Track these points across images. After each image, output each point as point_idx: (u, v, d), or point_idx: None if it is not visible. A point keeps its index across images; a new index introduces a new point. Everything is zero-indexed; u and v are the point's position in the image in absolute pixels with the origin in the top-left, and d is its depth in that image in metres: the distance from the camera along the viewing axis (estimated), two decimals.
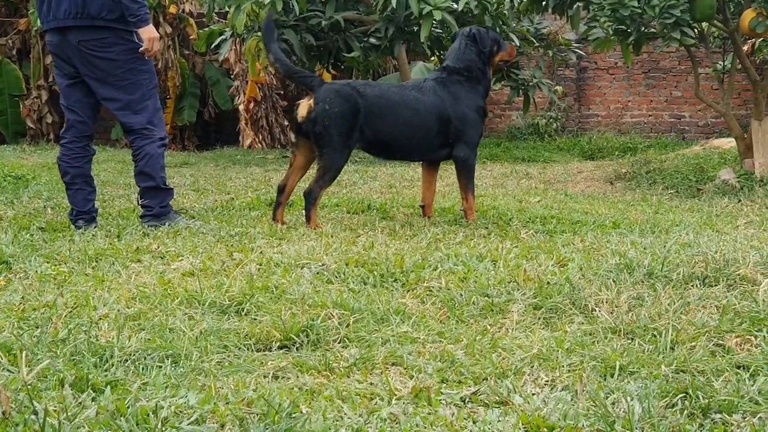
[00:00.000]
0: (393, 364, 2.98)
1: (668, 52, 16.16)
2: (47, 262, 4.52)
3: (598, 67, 16.84)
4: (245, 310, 3.60)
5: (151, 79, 5.86)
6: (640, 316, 3.41)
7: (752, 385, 2.64)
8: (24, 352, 2.80)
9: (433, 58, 13.70)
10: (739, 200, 8.01)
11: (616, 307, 3.56)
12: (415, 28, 10.10)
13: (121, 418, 2.40)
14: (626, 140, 15.59)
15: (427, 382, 2.74)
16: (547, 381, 2.80)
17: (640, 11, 8.09)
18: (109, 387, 2.65)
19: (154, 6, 15.12)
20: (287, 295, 3.76)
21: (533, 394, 2.66)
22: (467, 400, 2.64)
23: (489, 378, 2.81)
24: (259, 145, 15.75)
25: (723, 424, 2.45)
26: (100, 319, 3.39)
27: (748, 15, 8.17)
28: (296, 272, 4.21)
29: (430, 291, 3.93)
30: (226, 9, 10.63)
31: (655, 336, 3.21)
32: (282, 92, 16.30)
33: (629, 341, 3.20)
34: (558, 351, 3.06)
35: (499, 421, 2.47)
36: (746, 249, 4.46)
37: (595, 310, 3.55)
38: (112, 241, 5.19)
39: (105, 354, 2.95)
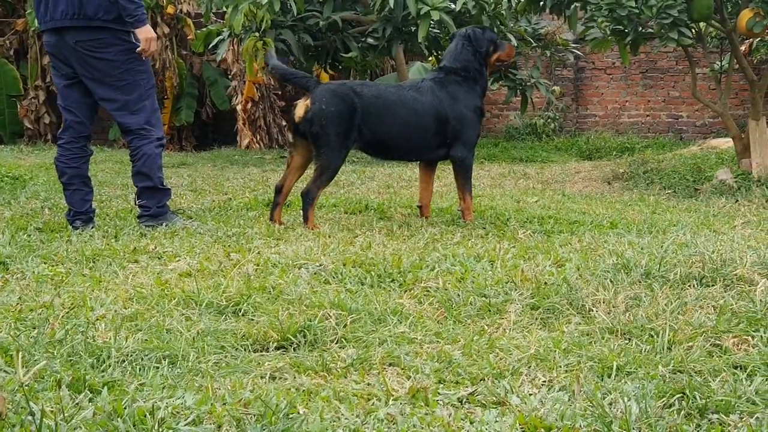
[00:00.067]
0: (390, 365, 2.98)
1: (666, 52, 16.18)
2: (44, 263, 4.52)
3: (596, 67, 16.85)
4: (242, 310, 3.60)
5: (149, 79, 5.86)
6: (637, 317, 3.42)
7: (749, 386, 2.65)
8: (21, 352, 2.80)
9: (430, 59, 13.70)
10: (737, 200, 8.01)
11: (614, 307, 3.56)
12: (413, 29, 10.11)
13: (118, 418, 2.40)
14: (624, 140, 15.59)
15: (424, 383, 2.74)
16: (545, 381, 2.80)
17: (637, 11, 8.10)
18: (106, 388, 2.64)
19: (152, 6, 15.12)
20: (284, 296, 3.76)
21: (530, 395, 2.66)
22: (464, 400, 2.64)
23: (486, 378, 2.81)
24: (257, 145, 15.75)
25: (720, 424, 2.45)
26: (97, 319, 3.38)
27: (746, 15, 8.17)
28: (293, 273, 4.21)
29: (428, 291, 3.93)
30: (224, 9, 10.62)
31: (652, 336, 3.21)
32: (280, 92, 16.30)
33: (626, 341, 3.20)
34: (555, 351, 3.06)
35: (496, 421, 2.47)
36: (743, 249, 4.46)
37: (593, 311, 3.55)
38: (109, 241, 5.18)
39: (102, 355, 2.94)
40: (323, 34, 10.94)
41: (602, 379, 2.80)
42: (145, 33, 5.63)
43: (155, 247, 4.89)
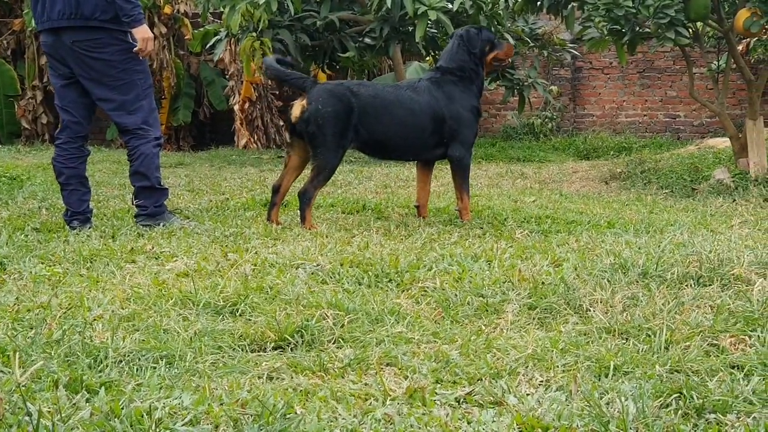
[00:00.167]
0: (388, 365, 2.98)
1: (663, 52, 16.19)
2: (42, 263, 4.52)
3: (593, 66, 16.86)
4: (240, 310, 3.60)
5: (146, 79, 5.86)
6: (634, 316, 3.42)
7: (746, 385, 2.65)
8: (18, 353, 2.80)
9: (428, 58, 13.70)
10: (734, 200, 8.02)
11: (611, 307, 3.56)
12: (410, 28, 10.11)
13: (116, 419, 2.40)
14: (621, 140, 15.60)
15: (421, 383, 2.74)
16: (542, 381, 2.80)
17: (634, 11, 8.10)
18: (103, 388, 2.64)
19: (149, 6, 15.12)
20: (282, 296, 3.76)
21: (528, 395, 2.66)
22: (462, 400, 2.64)
23: (483, 378, 2.81)
24: (255, 145, 15.75)
25: (717, 424, 2.45)
26: (95, 320, 3.38)
27: (743, 14, 8.18)
28: (291, 273, 4.21)
29: (425, 291, 3.93)
30: (221, 9, 10.62)
31: (649, 336, 3.21)
32: (277, 92, 16.29)
33: (624, 341, 3.20)
34: (552, 351, 3.06)
35: (493, 421, 2.47)
36: (741, 249, 4.47)
37: (590, 310, 3.55)
38: (106, 241, 5.18)
39: (99, 355, 2.94)
40: (320, 34, 10.94)
41: (599, 379, 2.80)
42: (142, 33, 5.62)
43: (152, 248, 4.89)
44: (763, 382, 2.69)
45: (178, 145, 16.49)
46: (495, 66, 6.66)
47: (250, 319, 3.48)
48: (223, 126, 16.75)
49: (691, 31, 8.74)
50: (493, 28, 9.73)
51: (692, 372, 2.82)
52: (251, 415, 2.45)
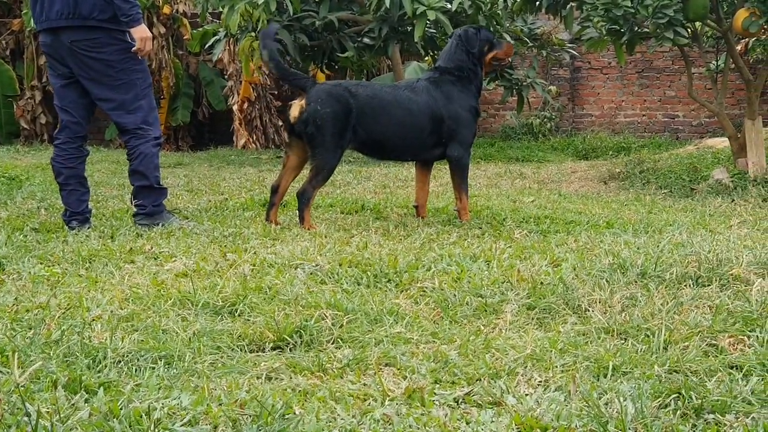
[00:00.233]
0: (386, 365, 2.98)
1: (661, 52, 16.19)
2: (40, 263, 4.52)
3: (592, 66, 16.86)
4: (238, 310, 3.60)
5: (145, 78, 5.86)
6: (633, 316, 3.42)
7: (745, 386, 2.65)
8: (17, 353, 2.80)
9: (427, 58, 13.69)
10: (733, 200, 8.02)
11: (610, 307, 3.57)
12: (409, 28, 10.10)
13: (114, 419, 2.40)
14: (620, 140, 15.60)
15: (420, 383, 2.74)
16: (541, 381, 2.80)
17: (633, 11, 8.10)
18: (102, 388, 2.64)
19: (148, 6, 15.12)
20: (281, 296, 3.76)
21: (526, 395, 2.66)
22: (460, 400, 2.64)
23: (482, 378, 2.81)
24: (253, 145, 15.74)
25: (716, 424, 2.45)
26: (94, 320, 3.38)
27: (741, 14, 8.18)
28: (290, 273, 4.21)
29: (424, 291, 3.93)
30: (220, 9, 10.61)
31: (648, 336, 3.21)
32: (276, 92, 16.28)
33: (622, 341, 3.21)
34: (551, 351, 3.06)
35: (492, 421, 2.47)
36: (739, 249, 4.47)
37: (589, 311, 3.56)
38: (105, 242, 5.18)
39: (98, 355, 2.94)
40: (319, 34, 10.93)
41: (598, 379, 2.80)
42: (140, 32, 5.62)
43: (151, 248, 4.89)
44: (762, 382, 2.69)
45: (177, 145, 16.48)
46: (494, 66, 6.66)
47: (248, 320, 3.48)
48: (221, 126, 16.75)
49: (689, 31, 8.74)
50: (491, 28, 9.73)
51: (691, 372, 2.83)
52: (250, 416, 2.45)
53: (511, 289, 3.89)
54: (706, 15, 8.35)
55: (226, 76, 16.18)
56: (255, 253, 4.72)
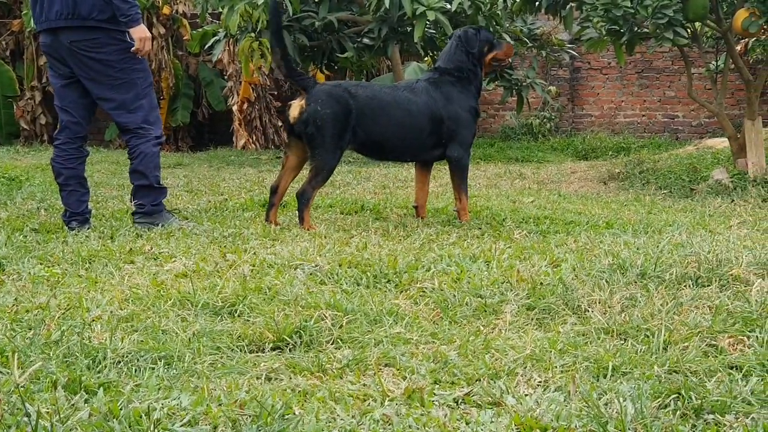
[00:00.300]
0: (386, 365, 2.98)
1: (661, 52, 16.19)
2: (40, 264, 4.52)
3: (592, 67, 16.86)
4: (238, 311, 3.60)
5: (146, 77, 5.87)
6: (632, 317, 3.42)
7: (745, 386, 2.65)
8: (16, 353, 2.80)
9: (426, 59, 13.70)
10: (732, 200, 8.02)
11: (609, 307, 3.57)
12: (409, 29, 10.10)
13: (114, 419, 2.40)
14: (619, 140, 15.60)
15: (420, 383, 2.74)
16: (540, 382, 2.80)
17: (632, 11, 8.10)
18: (101, 389, 2.64)
19: (148, 7, 15.12)
20: (280, 296, 3.76)
21: (526, 395, 2.66)
22: (460, 401, 2.64)
23: (482, 379, 2.81)
24: (253, 145, 15.74)
25: (716, 424, 2.45)
26: (93, 320, 3.38)
27: (741, 15, 8.18)
28: (289, 273, 4.21)
29: (423, 292, 3.93)
30: (220, 10, 10.62)
31: (647, 336, 3.21)
32: (275, 93, 16.28)
33: (622, 342, 3.20)
34: (551, 352, 3.06)
35: (492, 422, 2.47)
36: (739, 249, 4.47)
37: (588, 311, 3.55)
38: (105, 242, 5.18)
39: (98, 356, 2.94)
40: (319, 35, 10.93)
41: (598, 380, 2.80)
42: (139, 32, 5.63)
43: (151, 248, 4.89)
44: (762, 382, 2.69)
45: (177, 145, 16.49)
46: (494, 66, 6.66)
47: (248, 320, 3.48)
48: (221, 126, 16.74)
49: (689, 31, 8.74)
50: (491, 29, 9.73)
51: (691, 372, 2.83)
52: (250, 416, 2.45)
53: (511, 290, 3.89)
54: (706, 15, 8.35)
55: (225, 77, 16.18)
56: (255, 253, 4.72)
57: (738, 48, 12.00)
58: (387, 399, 2.64)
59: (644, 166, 10.28)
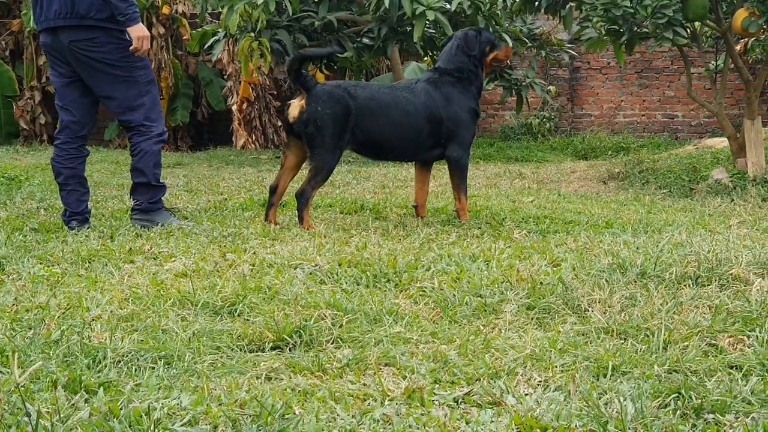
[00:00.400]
0: (386, 365, 2.98)
1: (661, 52, 16.20)
2: (40, 263, 4.52)
3: (591, 66, 16.86)
4: (238, 310, 3.60)
5: (147, 74, 5.87)
6: (632, 316, 3.42)
7: (745, 385, 2.65)
8: (16, 353, 2.80)
9: (426, 59, 13.71)
10: (732, 200, 8.02)
11: (609, 307, 3.57)
12: (408, 29, 10.11)
13: (114, 419, 2.40)
14: (619, 140, 15.61)
15: (420, 383, 2.74)
16: (540, 381, 2.80)
17: (632, 11, 8.10)
18: (102, 388, 2.64)
19: (147, 7, 15.12)
20: (280, 296, 3.76)
21: (526, 395, 2.66)
22: (460, 400, 2.64)
23: (482, 378, 2.81)
24: (253, 145, 15.74)
25: (716, 424, 2.45)
26: (93, 320, 3.38)
27: (741, 14, 8.18)
28: (289, 273, 4.21)
29: (423, 291, 3.93)
30: (219, 9, 10.63)
31: (647, 336, 3.21)
32: (275, 92, 16.29)
33: (622, 341, 3.21)
34: (551, 351, 3.06)
35: (492, 421, 2.47)
36: (739, 248, 4.46)
37: (588, 310, 3.56)
38: (105, 242, 5.18)
39: (98, 355, 2.94)
40: (318, 35, 10.94)
41: (598, 379, 2.80)
42: (137, 31, 5.62)
43: (151, 248, 4.90)
44: (762, 382, 2.70)
45: (177, 145, 16.48)
46: (494, 67, 6.65)
47: (248, 320, 3.48)
48: (221, 126, 16.74)
49: (689, 31, 8.74)
50: (491, 29, 9.74)
51: (691, 372, 2.83)
52: (250, 416, 2.45)
53: (511, 289, 3.89)
54: (706, 15, 8.36)
55: (225, 77, 16.18)
56: (254, 253, 4.72)
57: (737, 48, 12.00)
58: (387, 399, 2.64)
59: (644, 165, 10.28)
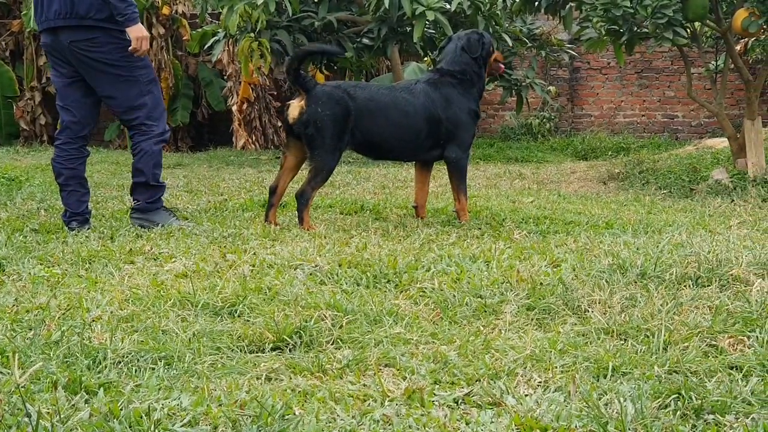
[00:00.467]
0: (386, 366, 2.98)
1: (661, 52, 16.21)
2: (40, 264, 4.52)
3: (591, 67, 16.86)
4: (238, 311, 3.60)
5: (148, 74, 5.87)
6: (632, 317, 3.42)
7: (745, 386, 2.65)
8: (17, 354, 2.80)
9: (426, 59, 13.71)
10: (732, 200, 8.02)
11: (609, 307, 3.57)
12: (408, 29, 10.11)
13: (114, 420, 2.40)
14: (619, 140, 15.61)
15: (420, 384, 2.74)
16: (540, 382, 2.80)
17: (632, 11, 8.10)
18: (102, 389, 2.65)
19: (147, 7, 15.13)
20: (280, 297, 3.76)
21: (526, 395, 2.66)
22: (460, 401, 2.64)
23: (482, 379, 2.81)
24: (253, 146, 15.74)
25: (716, 424, 2.45)
26: (93, 320, 3.38)
27: (741, 14, 8.18)
28: (289, 273, 4.21)
29: (423, 292, 3.93)
30: (219, 10, 10.63)
31: (647, 337, 3.21)
32: (275, 93, 16.29)
33: (622, 342, 3.20)
34: (551, 352, 3.06)
35: (492, 422, 2.47)
36: (739, 249, 4.46)
37: (588, 311, 3.55)
38: (105, 242, 5.18)
39: (98, 356, 2.95)
40: (318, 35, 10.95)
41: (598, 380, 2.80)
42: (136, 32, 5.62)
43: (151, 248, 4.90)
44: (762, 382, 2.70)
45: (177, 146, 16.48)
46: (494, 70, 6.64)
47: (248, 320, 3.48)
48: (221, 127, 16.75)
49: (689, 31, 8.75)
50: (491, 29, 9.74)
51: (691, 373, 2.83)
52: (250, 416, 2.45)
53: (511, 290, 3.89)
54: (706, 15, 8.36)
55: (225, 77, 16.18)
56: (254, 253, 4.72)
57: (737, 48, 12.01)
58: (387, 399, 2.64)
59: (644, 166, 10.28)
